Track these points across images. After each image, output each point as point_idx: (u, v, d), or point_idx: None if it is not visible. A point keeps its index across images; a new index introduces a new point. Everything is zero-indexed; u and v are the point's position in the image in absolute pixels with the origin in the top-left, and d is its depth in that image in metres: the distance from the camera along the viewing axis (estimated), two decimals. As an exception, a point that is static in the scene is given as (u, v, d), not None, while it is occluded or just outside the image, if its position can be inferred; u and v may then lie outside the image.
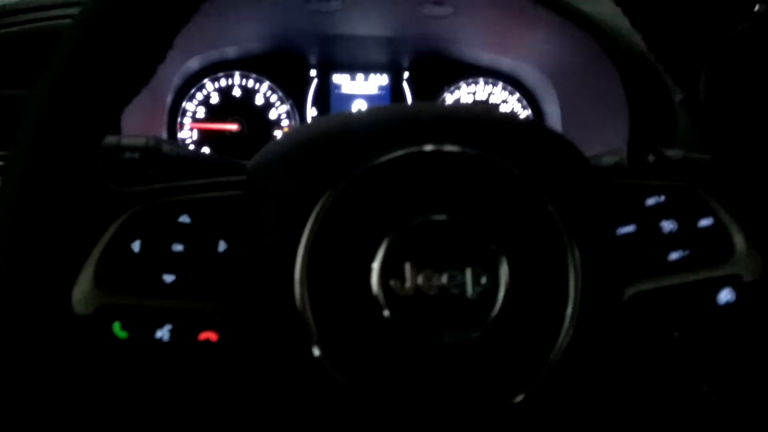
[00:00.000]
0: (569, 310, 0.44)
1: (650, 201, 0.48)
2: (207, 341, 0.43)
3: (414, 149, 0.44)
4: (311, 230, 0.42)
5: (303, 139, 0.47)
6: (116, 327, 0.42)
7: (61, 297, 0.42)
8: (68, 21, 0.72)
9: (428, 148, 0.44)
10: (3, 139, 0.69)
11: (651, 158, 0.59)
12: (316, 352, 0.41)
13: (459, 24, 0.93)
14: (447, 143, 0.45)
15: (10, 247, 0.41)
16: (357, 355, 0.42)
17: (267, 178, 0.45)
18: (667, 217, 0.48)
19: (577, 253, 0.44)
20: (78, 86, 0.41)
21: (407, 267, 0.42)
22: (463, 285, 0.43)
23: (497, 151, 0.45)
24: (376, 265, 0.42)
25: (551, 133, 0.49)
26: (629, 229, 0.48)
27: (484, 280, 0.43)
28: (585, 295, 0.44)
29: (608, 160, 0.62)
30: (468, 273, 0.43)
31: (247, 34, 0.96)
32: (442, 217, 0.44)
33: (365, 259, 0.42)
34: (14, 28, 0.72)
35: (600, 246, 0.46)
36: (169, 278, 0.44)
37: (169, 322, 0.43)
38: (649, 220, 0.48)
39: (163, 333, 0.43)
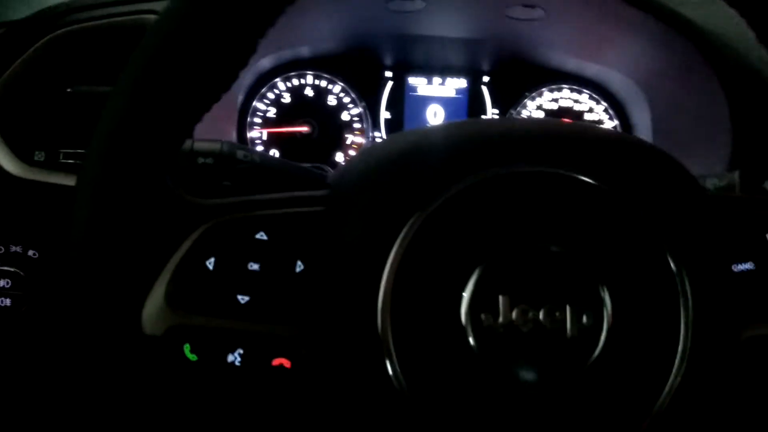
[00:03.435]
0: (679, 353, 0.40)
1: None
2: (280, 367, 0.41)
3: (513, 170, 0.41)
4: (397, 253, 0.40)
5: (393, 154, 0.44)
6: (186, 349, 0.40)
7: (131, 316, 0.40)
8: (152, 16, 0.70)
9: (527, 169, 0.41)
10: (81, 137, 0.69)
11: (768, 185, 0.54)
12: (397, 383, 0.38)
13: (547, 27, 0.89)
14: (548, 165, 0.41)
15: (81, 258, 0.39)
16: (439, 390, 0.39)
17: (351, 195, 0.43)
18: None
19: (689, 290, 0.41)
20: (161, 88, 0.38)
21: (501, 300, 0.39)
22: (561, 322, 0.39)
23: (602, 174, 0.41)
24: (466, 296, 0.39)
25: (661, 154, 0.45)
26: (747, 266, 0.43)
27: (585, 317, 0.40)
28: (697, 336, 0.40)
29: (714, 183, 0.57)
30: (568, 309, 0.39)
31: (322, 34, 0.95)
32: (539, 246, 0.40)
33: (454, 289, 0.40)
34: (98, 22, 0.71)
35: (714, 283, 0.42)
36: (243, 299, 0.41)
37: (241, 345, 0.41)
38: None
39: (235, 357, 0.41)
